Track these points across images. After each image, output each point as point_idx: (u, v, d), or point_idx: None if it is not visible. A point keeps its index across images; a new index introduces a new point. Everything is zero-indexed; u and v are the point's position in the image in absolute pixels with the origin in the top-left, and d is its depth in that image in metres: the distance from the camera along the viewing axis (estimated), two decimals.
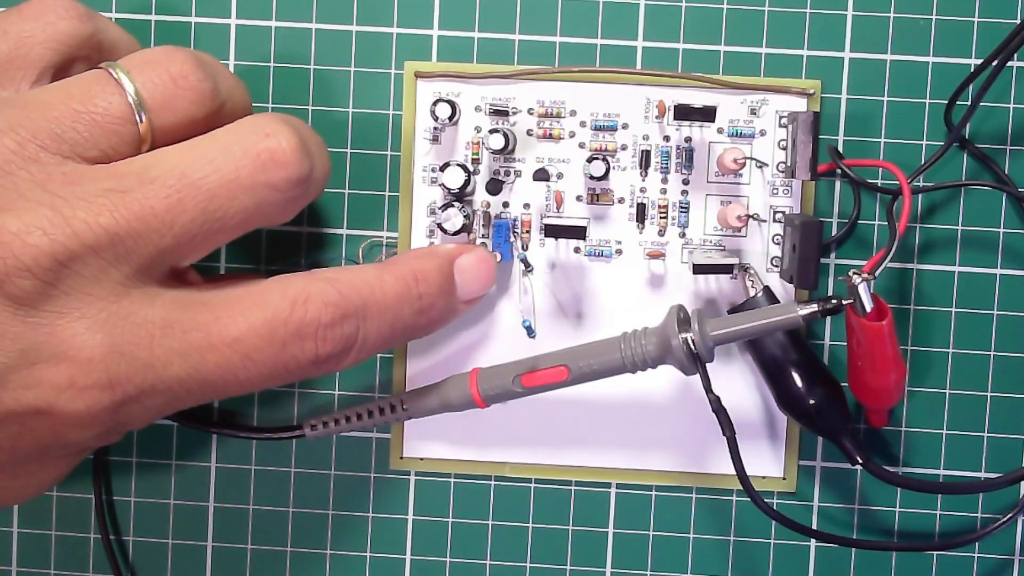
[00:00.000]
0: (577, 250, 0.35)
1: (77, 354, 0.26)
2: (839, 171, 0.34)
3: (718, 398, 0.31)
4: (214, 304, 0.28)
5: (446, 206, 0.33)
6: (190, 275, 0.30)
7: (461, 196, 0.34)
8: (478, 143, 0.34)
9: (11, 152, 0.26)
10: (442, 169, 0.33)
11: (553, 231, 0.33)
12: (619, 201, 0.34)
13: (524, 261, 0.34)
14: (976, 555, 0.36)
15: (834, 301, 0.30)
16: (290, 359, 0.28)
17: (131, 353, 0.27)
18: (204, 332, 0.27)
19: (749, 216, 0.34)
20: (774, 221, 0.34)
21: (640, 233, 0.34)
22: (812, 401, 0.33)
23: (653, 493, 0.36)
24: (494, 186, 0.34)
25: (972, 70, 0.34)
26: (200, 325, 0.27)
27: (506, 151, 0.34)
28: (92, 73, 0.28)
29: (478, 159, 0.34)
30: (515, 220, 0.34)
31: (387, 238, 0.35)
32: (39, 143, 0.27)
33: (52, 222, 0.26)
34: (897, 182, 0.33)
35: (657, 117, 0.34)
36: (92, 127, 0.27)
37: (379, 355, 0.35)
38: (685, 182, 0.34)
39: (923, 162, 0.34)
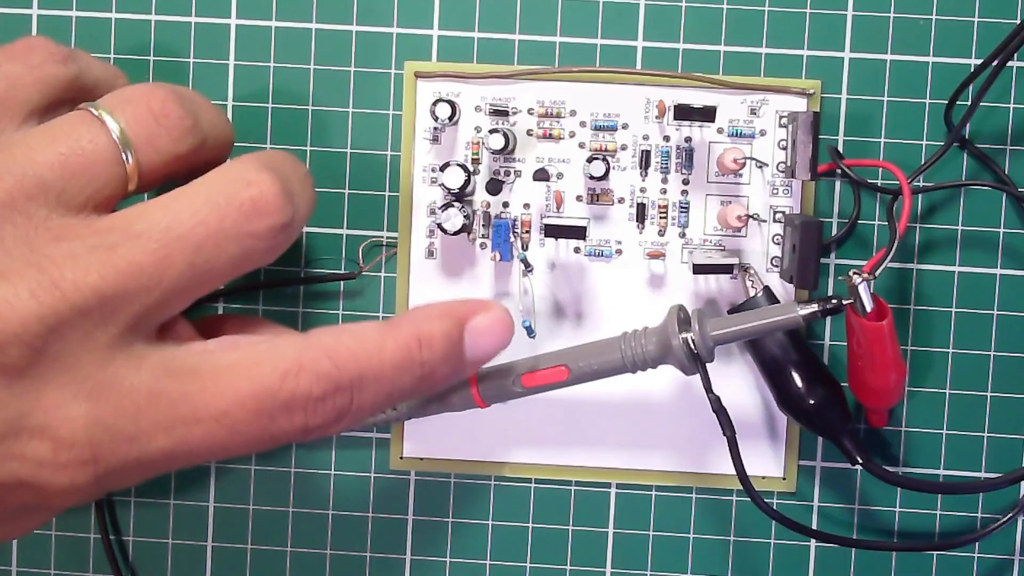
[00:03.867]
0: (577, 250, 0.35)
1: (60, 427, 0.26)
2: (839, 171, 0.34)
3: (718, 398, 0.31)
4: (201, 373, 0.27)
5: (446, 206, 0.33)
6: (179, 326, 0.29)
7: (461, 196, 0.34)
8: (478, 143, 0.34)
9: None
10: (442, 169, 0.33)
11: (553, 231, 0.33)
12: (619, 201, 0.34)
13: (524, 261, 0.34)
14: (976, 555, 0.36)
15: (834, 301, 0.30)
16: (278, 430, 0.27)
17: (115, 425, 0.26)
18: (191, 404, 0.26)
19: (749, 216, 0.34)
20: (774, 221, 0.34)
21: (640, 233, 0.34)
22: (812, 401, 0.33)
23: (653, 493, 0.36)
24: (494, 186, 0.34)
25: (972, 70, 0.34)
26: (186, 396, 0.26)
27: (506, 151, 0.34)
28: (75, 114, 0.28)
29: (478, 159, 0.34)
30: (515, 220, 0.34)
31: (387, 238, 0.35)
32: (25, 192, 0.26)
33: (40, 284, 0.25)
34: (897, 182, 0.33)
35: (657, 117, 0.34)
36: (79, 171, 0.27)
37: None
38: (685, 182, 0.34)
39: (923, 162, 0.34)
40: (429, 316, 0.29)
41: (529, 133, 0.34)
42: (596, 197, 0.34)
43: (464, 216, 0.32)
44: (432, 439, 0.35)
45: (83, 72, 0.29)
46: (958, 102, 0.34)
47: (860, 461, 0.33)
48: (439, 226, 0.32)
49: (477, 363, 0.30)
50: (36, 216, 0.26)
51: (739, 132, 0.34)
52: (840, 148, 0.35)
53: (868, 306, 0.31)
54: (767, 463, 0.35)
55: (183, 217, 0.27)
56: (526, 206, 0.34)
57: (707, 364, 0.31)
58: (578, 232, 0.33)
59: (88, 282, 0.25)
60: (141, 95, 0.28)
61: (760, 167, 0.34)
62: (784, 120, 0.34)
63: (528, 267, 0.34)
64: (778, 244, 0.34)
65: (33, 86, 0.28)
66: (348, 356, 0.27)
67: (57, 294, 0.25)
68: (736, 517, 0.36)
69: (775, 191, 0.34)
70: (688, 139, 0.34)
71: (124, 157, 0.27)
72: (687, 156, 0.34)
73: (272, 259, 0.29)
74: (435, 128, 0.34)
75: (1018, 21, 0.34)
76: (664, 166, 0.34)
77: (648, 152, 0.34)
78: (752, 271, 0.34)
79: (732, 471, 0.31)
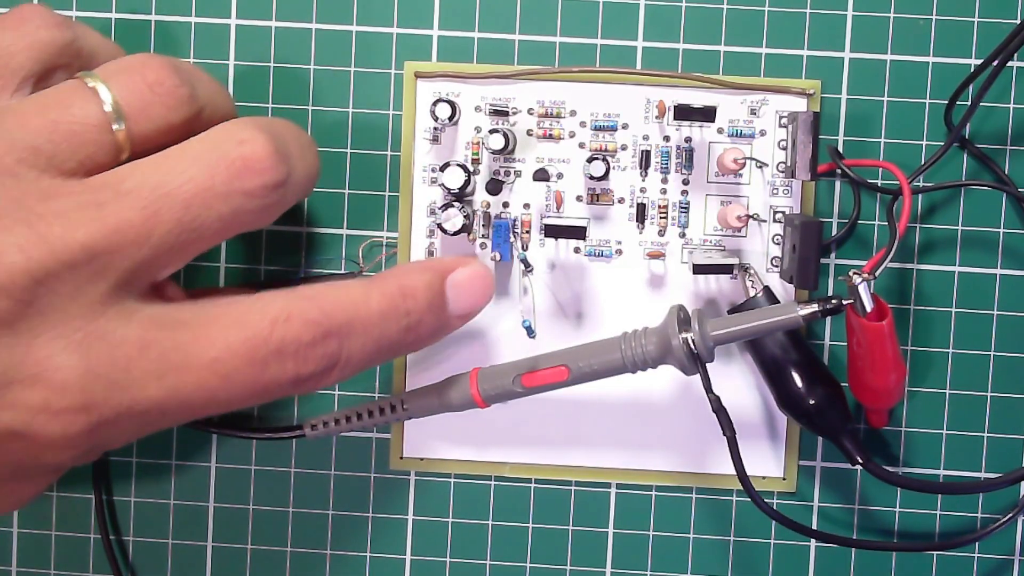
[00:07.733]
0: (577, 250, 0.35)
1: (52, 376, 0.26)
2: (839, 171, 0.34)
3: (718, 398, 0.31)
4: (192, 323, 0.27)
5: (446, 206, 0.33)
6: (169, 289, 0.29)
7: (461, 196, 0.34)
8: (478, 143, 0.34)
9: None
10: (442, 169, 0.33)
11: (553, 231, 0.33)
12: (619, 201, 0.34)
13: (524, 261, 0.34)
14: (976, 555, 0.36)
15: (834, 301, 0.30)
16: (270, 379, 0.28)
17: (107, 375, 0.26)
18: (182, 353, 0.27)
19: (749, 216, 0.34)
20: (774, 221, 0.34)
21: (640, 233, 0.34)
22: (812, 401, 0.33)
23: (653, 493, 0.36)
24: (494, 186, 0.34)
25: (972, 70, 0.34)
26: (178, 345, 0.27)
27: (506, 151, 0.34)
28: (68, 83, 0.28)
29: (478, 159, 0.34)
30: (515, 220, 0.34)
31: (387, 238, 0.35)
32: (16, 156, 0.26)
33: (28, 239, 0.25)
34: (897, 182, 0.33)
35: (657, 117, 0.34)
36: (69, 137, 0.27)
37: None
38: (685, 182, 0.34)
39: (923, 162, 0.34)
40: (411, 270, 0.30)
41: (529, 133, 0.34)
42: (596, 197, 0.34)
43: (464, 216, 0.32)
44: (432, 439, 0.35)
45: (79, 38, 0.29)
46: (958, 102, 0.34)
47: (860, 461, 0.33)
48: (439, 226, 0.32)
49: (460, 317, 0.31)
50: (26, 178, 0.26)
51: (739, 132, 0.34)
52: (840, 148, 0.35)
53: (868, 306, 0.31)
54: (767, 463, 0.35)
55: (172, 174, 0.27)
56: (526, 206, 0.34)
57: (707, 364, 0.31)
58: (578, 232, 0.33)
59: (76, 237, 0.26)
60: (137, 64, 0.28)
61: (760, 167, 0.34)
62: (784, 120, 0.34)
63: (528, 267, 0.34)
64: (778, 244, 0.34)
65: (25, 52, 0.28)
66: (335, 304, 0.28)
67: (45, 248, 0.25)
68: (736, 517, 0.36)
69: (775, 191, 0.34)
70: (688, 139, 0.34)
71: (115, 125, 0.27)
72: (687, 156, 0.34)
73: (266, 222, 0.29)
74: (435, 128, 0.34)
75: (1018, 21, 0.34)
76: (664, 166, 0.34)
77: (648, 152, 0.34)
78: (752, 271, 0.34)
79: (732, 471, 0.31)
